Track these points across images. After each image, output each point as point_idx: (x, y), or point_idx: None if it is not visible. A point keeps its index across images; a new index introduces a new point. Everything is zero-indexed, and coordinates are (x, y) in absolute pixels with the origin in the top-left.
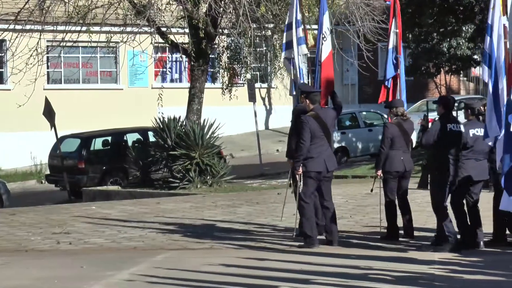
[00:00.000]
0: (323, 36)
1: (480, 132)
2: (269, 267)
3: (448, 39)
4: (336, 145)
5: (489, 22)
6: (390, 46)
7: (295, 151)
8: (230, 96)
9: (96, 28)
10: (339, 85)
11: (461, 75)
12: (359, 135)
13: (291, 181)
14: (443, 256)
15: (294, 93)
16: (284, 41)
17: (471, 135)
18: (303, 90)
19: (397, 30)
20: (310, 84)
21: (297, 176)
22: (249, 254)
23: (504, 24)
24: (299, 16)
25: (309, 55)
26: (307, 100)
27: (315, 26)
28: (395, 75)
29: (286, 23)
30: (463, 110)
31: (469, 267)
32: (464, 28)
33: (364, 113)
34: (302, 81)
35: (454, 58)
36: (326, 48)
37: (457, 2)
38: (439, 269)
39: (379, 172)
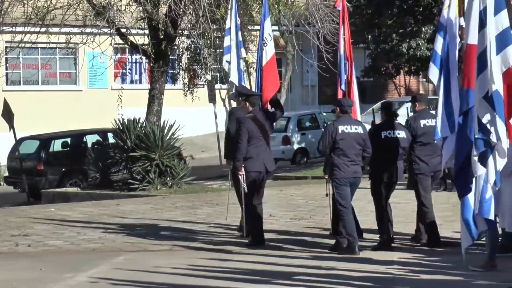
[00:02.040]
0: (264, 42)
1: (392, 134)
2: (230, 268)
3: (407, 40)
4: (296, 146)
5: (442, 21)
6: (342, 52)
7: (234, 152)
8: (192, 98)
9: (55, 29)
10: (299, 86)
11: (420, 76)
12: (319, 136)
13: (232, 182)
14: (402, 256)
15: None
16: (225, 45)
17: (382, 136)
18: (243, 93)
19: (345, 36)
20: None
21: (239, 176)
22: (209, 255)
23: (461, 25)
24: (238, 21)
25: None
26: (246, 103)
27: (275, 27)
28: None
29: (226, 27)
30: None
31: (429, 267)
32: (423, 29)
33: (324, 114)
34: (241, 84)
35: (413, 59)
36: (269, 53)
37: (416, 3)
38: (398, 269)
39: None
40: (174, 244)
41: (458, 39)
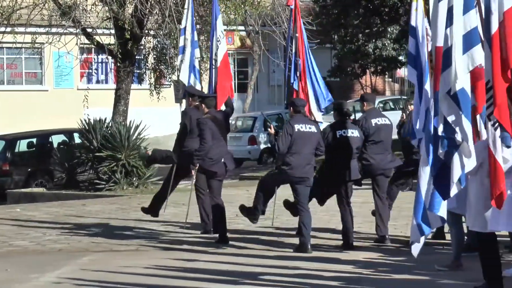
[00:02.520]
0: (218, 40)
1: (346, 133)
2: (197, 268)
3: (373, 40)
4: (262, 146)
5: (413, 23)
6: (293, 50)
7: (197, 150)
8: (158, 98)
9: (21, 29)
10: (265, 86)
11: (386, 76)
12: None
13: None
14: (368, 255)
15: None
16: (180, 44)
17: (337, 136)
18: (191, 93)
19: (297, 35)
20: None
21: (192, 171)
22: (175, 255)
23: (426, 27)
24: (194, 21)
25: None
26: (202, 104)
27: (241, 28)
28: (300, 78)
29: (181, 27)
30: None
31: (395, 266)
32: (389, 29)
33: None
34: (189, 84)
35: (379, 59)
36: (221, 52)
37: (382, 3)
38: (364, 269)
39: None
40: (140, 244)
41: (426, 41)
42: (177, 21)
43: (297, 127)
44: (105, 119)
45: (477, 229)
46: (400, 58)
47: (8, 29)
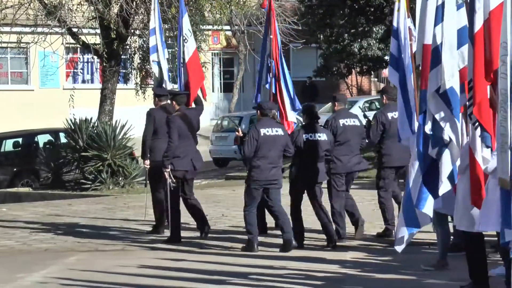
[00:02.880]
0: (184, 38)
1: (314, 136)
2: (183, 268)
3: (359, 40)
4: None
5: (395, 24)
6: (267, 52)
7: (165, 151)
8: (144, 97)
9: (6, 29)
10: (251, 86)
11: (372, 76)
12: None
13: (148, 181)
14: (355, 255)
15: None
16: (150, 44)
17: (304, 139)
18: (158, 93)
19: (271, 36)
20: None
21: (165, 174)
22: (162, 255)
23: (409, 26)
24: (161, 21)
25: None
26: (173, 102)
27: (227, 27)
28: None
29: (150, 28)
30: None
31: (381, 266)
32: (374, 29)
33: (277, 113)
34: (157, 85)
35: (365, 59)
36: (190, 49)
37: (367, 3)
38: (350, 269)
39: None
40: (126, 244)
41: (408, 42)
42: (162, 20)
43: (263, 131)
44: (91, 118)
45: (464, 228)
46: (386, 58)
47: None
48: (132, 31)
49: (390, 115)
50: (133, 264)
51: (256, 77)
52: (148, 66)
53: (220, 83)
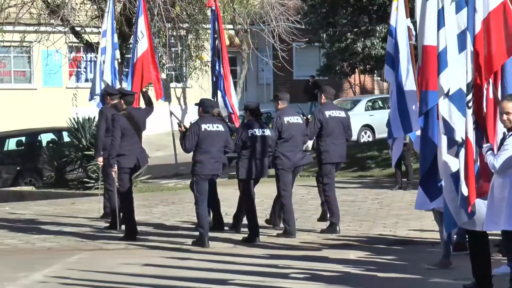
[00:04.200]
0: (137, 40)
1: (258, 132)
2: (186, 267)
3: (362, 39)
4: None
5: (392, 23)
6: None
7: (109, 151)
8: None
9: (9, 28)
10: (254, 85)
11: (375, 75)
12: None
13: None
14: (358, 254)
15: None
16: (100, 46)
17: (249, 135)
18: (109, 92)
19: (216, 35)
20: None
21: (113, 173)
22: (164, 254)
23: (408, 26)
24: (114, 23)
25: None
26: (122, 101)
27: (229, 26)
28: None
29: (102, 29)
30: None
31: (384, 265)
32: (378, 28)
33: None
34: (110, 84)
35: (368, 57)
36: (139, 50)
37: (370, 2)
38: (354, 268)
39: None
40: (129, 243)
41: (408, 41)
42: (165, 19)
43: (204, 126)
44: (94, 117)
45: (468, 227)
46: None
47: None
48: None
49: (327, 113)
50: (135, 263)
51: (260, 75)
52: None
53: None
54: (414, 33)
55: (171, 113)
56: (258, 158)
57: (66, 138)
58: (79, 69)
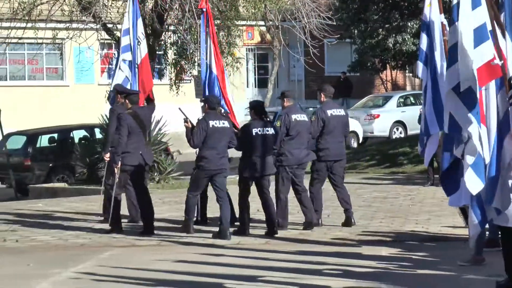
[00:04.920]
0: (138, 41)
1: (262, 131)
2: (218, 263)
3: (393, 35)
4: None
5: (424, 19)
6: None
7: (113, 146)
8: (177, 92)
9: (42, 25)
10: (285, 81)
11: (407, 71)
12: None
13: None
14: (390, 251)
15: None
16: (122, 44)
17: (253, 133)
18: (122, 91)
19: (209, 36)
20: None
21: (115, 169)
22: (196, 250)
23: (442, 22)
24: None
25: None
26: (126, 100)
27: (261, 23)
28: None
29: (123, 29)
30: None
31: (417, 262)
32: (409, 24)
33: (311, 109)
34: (119, 83)
35: (399, 53)
36: (142, 51)
37: None
38: (387, 264)
39: None
40: (161, 239)
41: (442, 37)
42: (197, 16)
43: (211, 123)
44: None
45: (500, 224)
46: None
47: (29, 24)
48: (167, 26)
49: (329, 112)
50: (168, 260)
51: (291, 71)
52: (183, 62)
53: (255, 78)
54: (448, 29)
55: (180, 109)
56: (261, 156)
57: (98, 134)
58: (110, 66)
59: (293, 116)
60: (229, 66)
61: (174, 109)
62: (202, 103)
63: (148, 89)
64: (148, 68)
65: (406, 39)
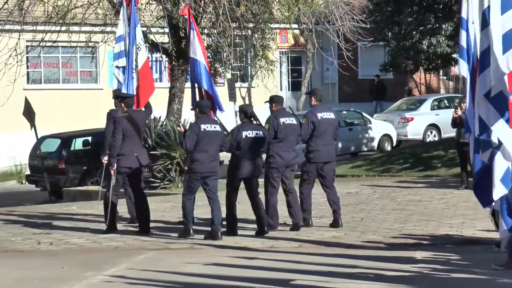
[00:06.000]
0: (138, 46)
1: (252, 134)
2: (250, 266)
3: (427, 37)
4: None
5: (463, 16)
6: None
7: (108, 149)
8: None
9: (76, 28)
10: (319, 84)
11: (441, 74)
12: (339, 134)
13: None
14: (424, 254)
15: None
16: (115, 51)
17: (243, 136)
18: (117, 95)
19: (196, 40)
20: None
21: (111, 171)
22: (229, 254)
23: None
24: (138, 30)
25: None
26: (122, 104)
27: (294, 26)
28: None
29: (116, 35)
30: (239, 114)
31: (451, 265)
32: (443, 26)
33: (345, 112)
34: (118, 88)
35: (433, 56)
36: (142, 57)
37: (436, 0)
38: (421, 268)
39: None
40: (194, 242)
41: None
42: (230, 19)
43: (203, 127)
44: (160, 117)
45: None
46: (454, 55)
47: (63, 28)
48: (201, 30)
49: (319, 115)
50: (201, 263)
51: (324, 74)
52: (217, 65)
53: (288, 81)
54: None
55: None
56: (251, 158)
57: None
58: None
59: (282, 119)
60: (262, 69)
61: None
62: (193, 109)
63: (149, 94)
64: (149, 73)
65: (440, 41)
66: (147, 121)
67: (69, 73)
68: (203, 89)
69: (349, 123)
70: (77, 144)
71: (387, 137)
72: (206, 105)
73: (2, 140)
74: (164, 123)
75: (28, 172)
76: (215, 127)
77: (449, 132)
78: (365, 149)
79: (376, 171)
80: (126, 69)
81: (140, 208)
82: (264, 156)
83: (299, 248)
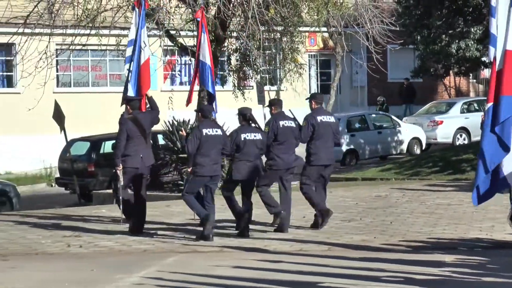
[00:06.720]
0: (144, 45)
1: (250, 136)
2: (277, 269)
3: (457, 41)
4: (345, 148)
5: (492, 4)
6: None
7: (114, 152)
8: (244, 98)
9: (105, 32)
10: (348, 87)
11: (470, 77)
12: (368, 137)
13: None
14: (453, 258)
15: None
16: (127, 54)
17: (242, 139)
18: (124, 98)
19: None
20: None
21: (118, 172)
22: (258, 257)
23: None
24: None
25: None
26: (128, 106)
27: (324, 29)
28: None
29: (128, 39)
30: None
31: (481, 268)
32: (472, 30)
33: (373, 115)
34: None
35: (462, 59)
36: (145, 55)
37: (465, 4)
38: (450, 271)
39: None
40: (223, 245)
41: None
42: (259, 22)
43: (205, 131)
44: (189, 120)
45: None
46: (484, 59)
47: (93, 31)
48: (230, 33)
49: (319, 118)
50: (230, 265)
51: (354, 77)
52: (246, 68)
53: (317, 84)
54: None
55: (173, 118)
56: (250, 160)
57: (161, 141)
58: (173, 72)
59: (281, 123)
60: (291, 72)
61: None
62: (196, 113)
63: (145, 90)
64: (148, 71)
65: (470, 45)
66: (154, 121)
67: (99, 76)
68: (206, 91)
69: (378, 126)
70: (107, 147)
71: (416, 140)
72: (209, 109)
73: (32, 143)
74: (193, 126)
75: (57, 175)
76: (216, 131)
77: (479, 136)
78: (394, 152)
79: (405, 174)
80: (132, 71)
81: (139, 208)
82: (264, 158)
83: (328, 251)
